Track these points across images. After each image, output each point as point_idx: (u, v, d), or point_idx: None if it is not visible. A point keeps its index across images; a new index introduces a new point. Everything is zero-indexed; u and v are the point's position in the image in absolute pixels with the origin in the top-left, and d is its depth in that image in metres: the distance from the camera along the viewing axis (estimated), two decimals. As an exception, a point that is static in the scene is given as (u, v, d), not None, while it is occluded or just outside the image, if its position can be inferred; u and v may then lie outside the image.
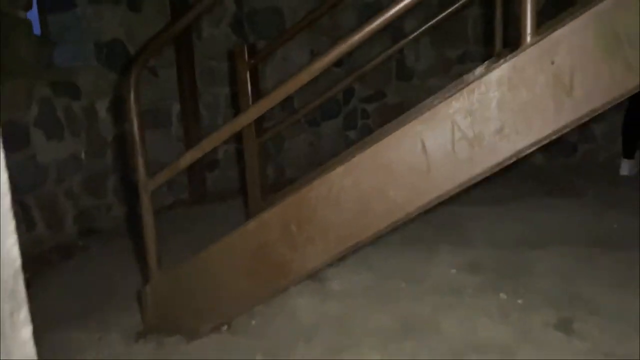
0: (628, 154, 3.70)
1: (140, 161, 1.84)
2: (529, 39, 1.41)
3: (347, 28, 4.33)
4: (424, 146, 1.54)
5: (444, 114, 1.51)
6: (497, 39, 2.29)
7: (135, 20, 3.43)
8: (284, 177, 4.18)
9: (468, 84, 1.47)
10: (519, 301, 1.93)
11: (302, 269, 1.71)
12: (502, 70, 1.44)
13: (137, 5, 3.47)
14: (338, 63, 2.92)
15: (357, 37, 1.56)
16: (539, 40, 1.40)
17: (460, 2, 2.44)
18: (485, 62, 2.37)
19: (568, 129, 1.42)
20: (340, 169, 1.62)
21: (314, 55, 4.27)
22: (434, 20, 2.56)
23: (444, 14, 2.51)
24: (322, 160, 4.34)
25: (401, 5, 1.50)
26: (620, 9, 1.33)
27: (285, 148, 4.28)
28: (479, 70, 2.41)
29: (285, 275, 1.74)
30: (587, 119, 1.40)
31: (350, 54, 2.09)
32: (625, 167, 3.71)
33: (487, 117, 1.47)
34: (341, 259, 1.95)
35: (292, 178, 4.26)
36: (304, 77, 1.63)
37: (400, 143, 1.56)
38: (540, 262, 2.25)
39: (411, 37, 2.63)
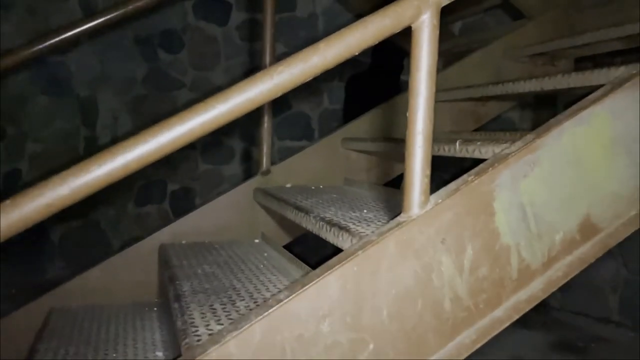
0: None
1: None
2: (416, 209, 0.84)
3: None
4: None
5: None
6: (264, 155, 1.71)
7: None
8: None
9: (307, 284, 0.80)
10: None
11: None
12: (375, 252, 0.83)
13: None
14: None
15: None
16: (429, 212, 0.85)
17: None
18: (250, 180, 1.75)
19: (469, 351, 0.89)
20: None
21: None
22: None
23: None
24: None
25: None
26: (527, 174, 0.91)
27: None
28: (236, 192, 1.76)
29: None
30: (494, 332, 0.90)
31: None
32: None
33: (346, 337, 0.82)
34: None
35: None
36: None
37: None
38: None
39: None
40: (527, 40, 2.02)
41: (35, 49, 1.64)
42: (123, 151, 0.68)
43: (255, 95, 0.71)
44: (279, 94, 0.73)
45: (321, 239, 1.11)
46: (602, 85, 0.99)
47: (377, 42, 0.78)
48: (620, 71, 1.05)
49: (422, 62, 0.80)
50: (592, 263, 0.96)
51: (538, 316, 3.18)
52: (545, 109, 3.14)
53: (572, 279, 0.94)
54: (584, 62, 2.22)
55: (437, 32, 0.80)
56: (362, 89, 3.45)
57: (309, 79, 0.75)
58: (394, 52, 3.41)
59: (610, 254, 3.07)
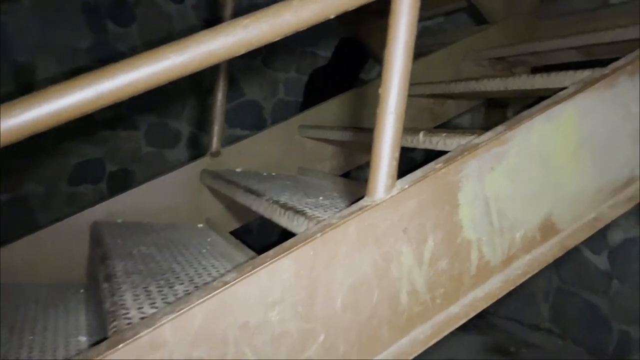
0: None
1: None
2: (381, 193, 0.79)
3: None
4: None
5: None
6: (215, 135, 1.61)
7: None
8: None
9: (258, 266, 0.72)
10: None
11: None
12: (335, 236, 0.76)
13: None
14: None
15: None
16: (394, 197, 0.79)
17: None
18: (197, 160, 1.64)
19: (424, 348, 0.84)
20: None
21: None
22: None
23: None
24: None
25: None
26: (494, 166, 0.87)
27: None
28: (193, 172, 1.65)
29: None
30: (450, 329, 0.86)
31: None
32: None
33: (296, 328, 0.75)
34: None
35: None
36: None
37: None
38: None
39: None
40: (488, 44, 2.02)
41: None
42: (48, 98, 0.58)
43: (217, 47, 0.63)
44: (244, 50, 0.65)
45: (266, 231, 1.04)
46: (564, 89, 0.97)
47: (355, 7, 0.72)
48: (586, 74, 1.04)
49: (399, 32, 0.74)
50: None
51: (473, 320, 3.23)
52: (495, 116, 3.20)
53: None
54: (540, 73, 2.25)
55: (419, 1, 0.75)
56: (324, 83, 3.41)
57: (278, 38, 0.67)
58: (359, 47, 3.37)
59: (545, 264, 3.17)
